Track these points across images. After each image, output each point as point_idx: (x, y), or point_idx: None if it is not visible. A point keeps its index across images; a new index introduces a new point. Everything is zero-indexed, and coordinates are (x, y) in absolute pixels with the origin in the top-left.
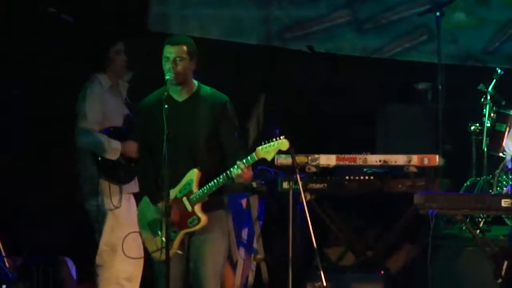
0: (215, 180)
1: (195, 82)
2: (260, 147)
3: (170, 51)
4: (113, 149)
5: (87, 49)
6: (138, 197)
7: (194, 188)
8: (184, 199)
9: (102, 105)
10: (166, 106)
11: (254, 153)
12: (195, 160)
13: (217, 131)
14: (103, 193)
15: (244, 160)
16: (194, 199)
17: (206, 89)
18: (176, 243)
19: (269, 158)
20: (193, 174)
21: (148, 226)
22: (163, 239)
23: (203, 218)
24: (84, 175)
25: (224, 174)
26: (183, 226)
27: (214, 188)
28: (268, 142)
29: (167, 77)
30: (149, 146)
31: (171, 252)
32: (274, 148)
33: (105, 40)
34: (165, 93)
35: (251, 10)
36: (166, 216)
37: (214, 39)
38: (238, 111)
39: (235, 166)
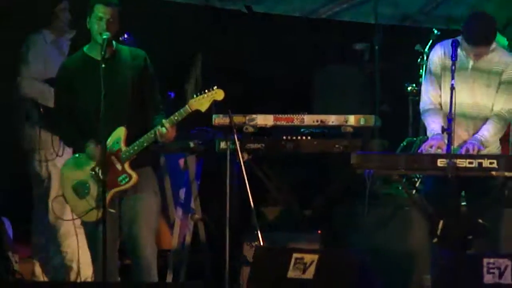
0: (145, 136)
1: (113, 42)
2: (193, 99)
3: (104, 12)
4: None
5: (32, 6)
6: None
7: (122, 146)
8: (113, 157)
9: (44, 58)
10: (103, 65)
11: (187, 105)
12: (122, 118)
13: (139, 86)
14: (44, 144)
15: (177, 113)
16: (124, 156)
17: (124, 48)
18: (106, 202)
19: (203, 108)
20: (120, 132)
21: (74, 187)
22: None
23: (134, 176)
24: (25, 128)
25: (154, 131)
26: (113, 185)
27: (144, 145)
28: (201, 94)
29: (105, 36)
30: (71, 106)
31: (102, 212)
32: (208, 98)
33: None
34: (102, 53)
35: None
36: (104, 175)
37: None
38: (175, 72)
39: (161, 124)
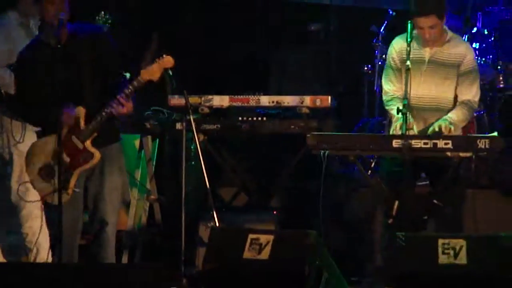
0: (102, 113)
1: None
2: (143, 70)
3: None
4: None
5: None
6: None
7: (82, 125)
8: (73, 137)
9: (10, 41)
10: (59, 46)
11: (139, 77)
12: (80, 99)
13: (100, 63)
14: (5, 129)
15: (129, 85)
16: (84, 135)
17: (80, 26)
18: (72, 183)
19: (155, 78)
20: (79, 112)
21: (40, 169)
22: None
23: (96, 153)
24: None
25: (107, 107)
26: (77, 165)
27: (101, 122)
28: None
29: (62, 17)
30: (32, 90)
31: (68, 192)
32: (159, 66)
33: None
34: (61, 34)
35: None
36: (59, 159)
37: None
38: (130, 52)
39: (115, 100)
